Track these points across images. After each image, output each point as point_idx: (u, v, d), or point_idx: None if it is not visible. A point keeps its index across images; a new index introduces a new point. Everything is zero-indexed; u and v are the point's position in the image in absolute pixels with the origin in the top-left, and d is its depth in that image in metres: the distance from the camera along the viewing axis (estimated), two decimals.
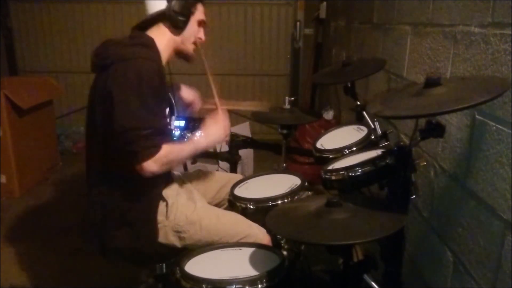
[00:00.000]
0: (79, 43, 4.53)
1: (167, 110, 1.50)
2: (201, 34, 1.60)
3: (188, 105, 1.89)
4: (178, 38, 1.54)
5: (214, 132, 1.55)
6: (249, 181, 1.76)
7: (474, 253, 1.26)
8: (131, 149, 1.34)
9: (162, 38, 1.50)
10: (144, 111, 1.34)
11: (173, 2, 1.46)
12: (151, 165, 1.36)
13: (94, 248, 1.54)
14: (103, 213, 1.49)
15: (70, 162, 3.98)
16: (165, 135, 1.44)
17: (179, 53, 1.58)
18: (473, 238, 1.26)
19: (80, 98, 4.45)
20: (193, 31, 1.56)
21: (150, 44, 1.47)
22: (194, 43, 1.59)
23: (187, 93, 1.86)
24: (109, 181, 1.47)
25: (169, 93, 1.57)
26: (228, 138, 1.65)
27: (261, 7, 4.60)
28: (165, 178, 1.58)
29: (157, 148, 1.36)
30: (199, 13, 1.56)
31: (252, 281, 1.17)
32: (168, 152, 1.39)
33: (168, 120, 1.51)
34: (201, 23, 1.58)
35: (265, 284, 1.17)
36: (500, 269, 1.12)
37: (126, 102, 1.33)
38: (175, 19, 1.49)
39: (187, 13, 1.51)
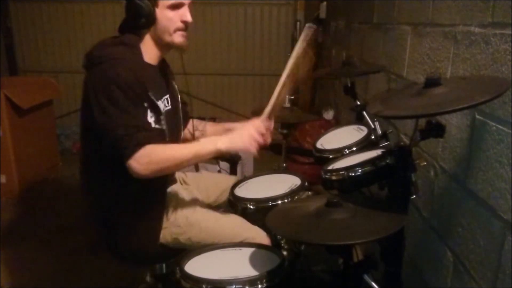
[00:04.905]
0: (79, 43, 4.53)
1: (149, 111, 1.36)
2: (185, 16, 1.40)
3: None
4: (153, 35, 1.41)
5: (236, 136, 1.42)
6: (249, 181, 1.76)
7: (474, 253, 1.26)
8: (115, 149, 1.30)
9: (141, 37, 1.42)
10: (116, 111, 1.29)
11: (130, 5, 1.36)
12: (134, 165, 1.28)
13: (98, 247, 1.54)
14: (106, 213, 1.48)
15: (70, 162, 3.98)
16: (152, 135, 1.33)
17: (167, 47, 1.46)
18: (473, 238, 1.26)
19: (80, 98, 4.46)
20: (167, 21, 1.39)
21: (132, 43, 1.40)
22: (179, 29, 1.41)
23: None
24: (111, 180, 1.45)
25: (168, 93, 1.50)
26: (256, 150, 1.41)
27: (261, 7, 4.60)
28: (168, 178, 1.57)
29: (136, 147, 1.27)
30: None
31: (252, 281, 1.17)
32: (151, 151, 1.29)
33: (153, 119, 1.38)
34: (175, 6, 1.39)
35: (265, 284, 1.17)
36: (500, 269, 1.12)
37: (99, 104, 1.31)
38: (134, 22, 1.38)
39: (146, 11, 1.35)
